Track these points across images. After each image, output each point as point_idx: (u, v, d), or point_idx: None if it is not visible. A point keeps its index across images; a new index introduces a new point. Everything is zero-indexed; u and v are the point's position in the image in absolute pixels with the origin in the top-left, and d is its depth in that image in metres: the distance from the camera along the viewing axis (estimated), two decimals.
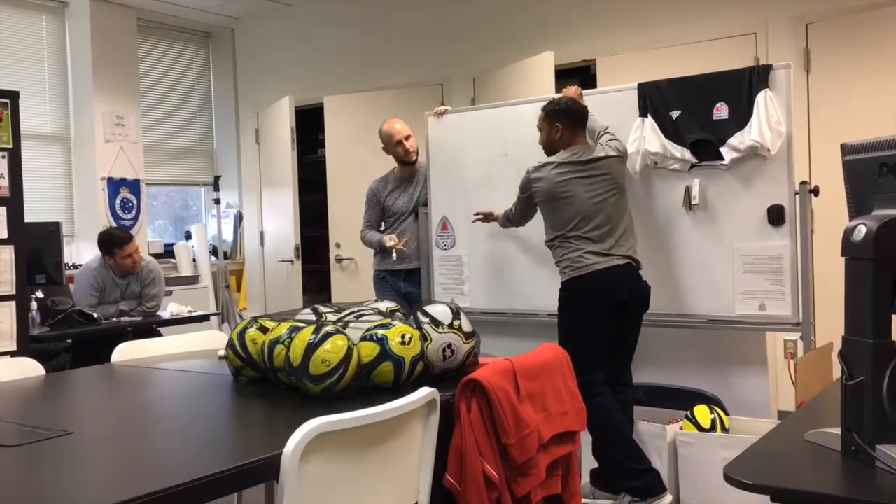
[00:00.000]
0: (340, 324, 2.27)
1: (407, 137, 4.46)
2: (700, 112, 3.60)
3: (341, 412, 1.63)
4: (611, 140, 3.59)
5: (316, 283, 7.24)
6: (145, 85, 6.99)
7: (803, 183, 3.56)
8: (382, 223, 4.60)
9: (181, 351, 3.05)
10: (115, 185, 6.51)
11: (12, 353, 3.99)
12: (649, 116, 3.73)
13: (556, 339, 2.63)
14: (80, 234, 6.51)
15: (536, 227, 4.22)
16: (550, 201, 3.52)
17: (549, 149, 3.63)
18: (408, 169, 4.55)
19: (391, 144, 4.48)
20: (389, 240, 4.38)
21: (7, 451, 1.71)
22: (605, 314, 3.40)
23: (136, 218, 6.63)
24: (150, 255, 6.11)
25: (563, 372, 2.44)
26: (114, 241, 5.01)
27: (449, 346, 2.26)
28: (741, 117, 3.56)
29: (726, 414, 3.61)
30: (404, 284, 4.53)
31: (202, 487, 1.47)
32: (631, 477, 3.29)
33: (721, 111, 3.61)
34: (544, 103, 3.68)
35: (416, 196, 4.54)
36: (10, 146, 4.16)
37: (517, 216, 3.85)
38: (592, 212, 3.43)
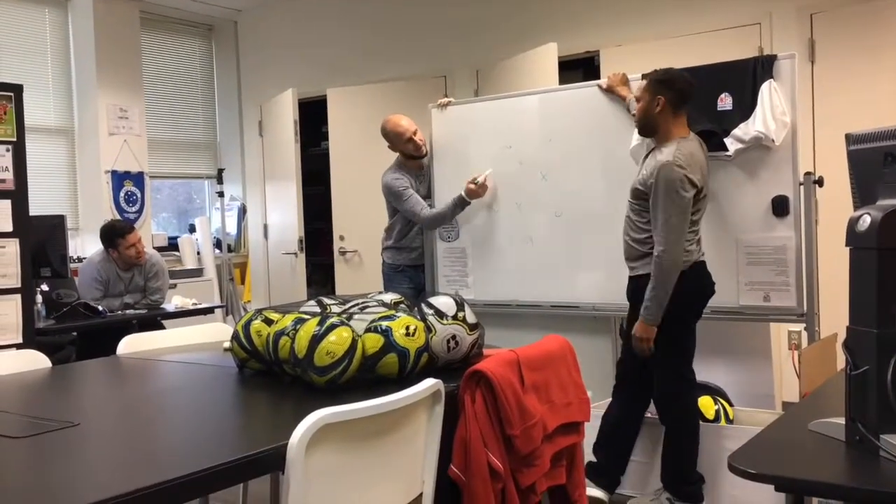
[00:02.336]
0: (345, 315, 2.27)
1: (415, 132, 4.39)
2: (704, 103, 3.59)
3: (346, 403, 1.63)
4: None
5: (320, 275, 7.25)
6: (148, 78, 6.99)
7: (808, 173, 3.55)
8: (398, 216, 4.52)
9: (186, 343, 3.06)
10: (119, 178, 6.52)
11: (18, 346, 4.01)
12: None
13: (558, 331, 2.60)
14: (84, 228, 6.52)
15: (540, 219, 4.23)
16: (696, 195, 3.16)
17: (644, 123, 3.32)
18: (416, 162, 4.51)
19: (401, 142, 4.39)
20: (474, 181, 4.18)
21: (14, 443, 1.71)
22: (703, 307, 3.32)
23: (140, 211, 6.64)
24: (154, 248, 6.11)
25: (567, 363, 2.45)
26: (116, 232, 5.02)
27: (453, 337, 2.26)
28: (745, 108, 3.54)
29: (730, 405, 3.61)
30: (423, 277, 4.54)
31: (208, 478, 1.47)
32: (687, 481, 3.30)
33: (725, 102, 3.60)
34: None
35: (426, 189, 4.53)
36: (15, 139, 4.17)
37: (681, 235, 3.12)
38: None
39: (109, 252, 5.03)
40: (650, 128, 3.32)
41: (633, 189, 3.29)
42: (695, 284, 3.26)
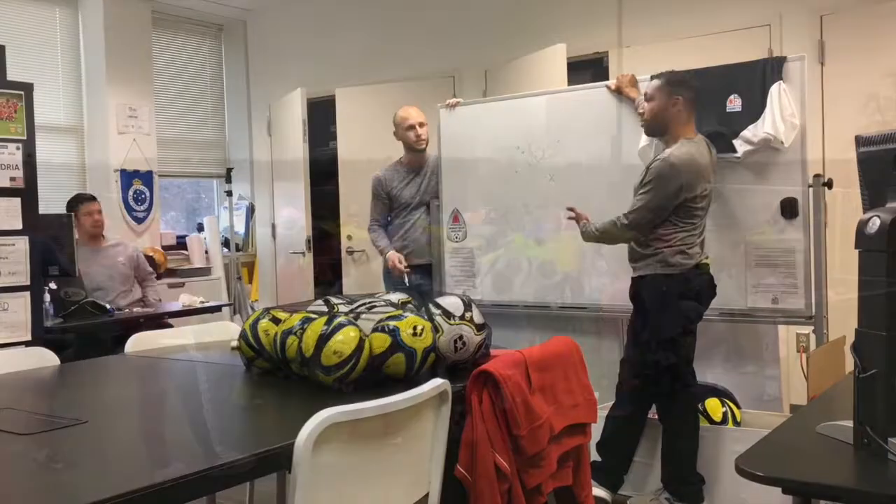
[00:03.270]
0: (352, 315, 2.28)
1: (420, 124, 4.39)
2: (713, 104, 3.58)
3: (353, 403, 1.63)
4: None
5: (327, 274, 7.26)
6: (158, 77, 7.01)
7: (817, 176, 3.54)
8: (389, 215, 4.55)
9: (194, 342, 3.06)
10: (128, 176, 6.53)
11: (27, 344, 4.02)
12: None
13: (566, 332, 2.60)
14: None
15: (547, 220, 4.23)
16: (690, 191, 3.16)
17: (657, 123, 3.31)
18: (416, 159, 4.49)
19: (402, 128, 4.41)
20: (393, 262, 4.37)
21: (22, 440, 1.72)
22: (706, 308, 3.33)
23: (148, 210, 6.66)
24: (163, 246, 6.13)
25: (574, 364, 2.44)
26: (78, 199, 5.19)
27: (460, 337, 2.26)
28: (754, 109, 3.54)
29: (738, 407, 3.60)
30: (413, 277, 4.53)
31: (215, 477, 1.48)
32: (687, 481, 3.30)
33: (734, 103, 3.59)
34: (663, 73, 3.35)
35: (423, 187, 4.51)
36: (25, 138, 4.18)
37: (648, 222, 3.21)
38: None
39: (73, 219, 5.07)
40: (661, 128, 3.32)
41: (634, 189, 3.29)
42: (697, 285, 3.26)
